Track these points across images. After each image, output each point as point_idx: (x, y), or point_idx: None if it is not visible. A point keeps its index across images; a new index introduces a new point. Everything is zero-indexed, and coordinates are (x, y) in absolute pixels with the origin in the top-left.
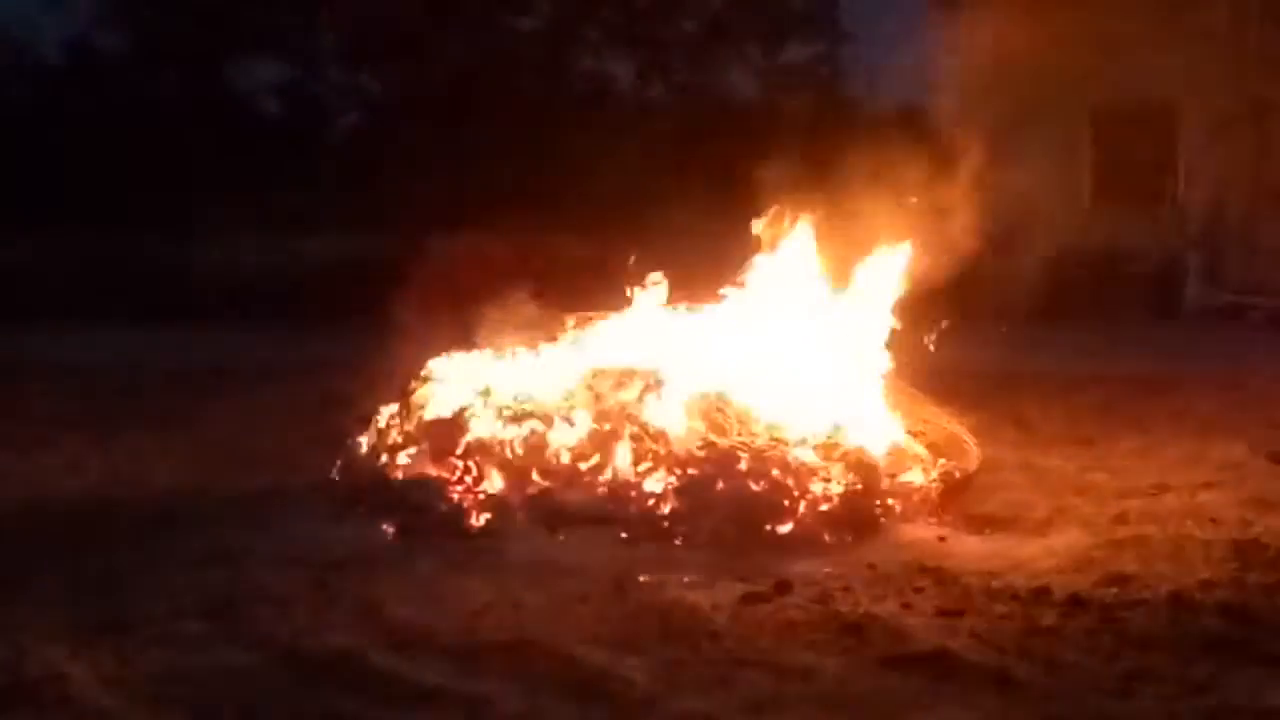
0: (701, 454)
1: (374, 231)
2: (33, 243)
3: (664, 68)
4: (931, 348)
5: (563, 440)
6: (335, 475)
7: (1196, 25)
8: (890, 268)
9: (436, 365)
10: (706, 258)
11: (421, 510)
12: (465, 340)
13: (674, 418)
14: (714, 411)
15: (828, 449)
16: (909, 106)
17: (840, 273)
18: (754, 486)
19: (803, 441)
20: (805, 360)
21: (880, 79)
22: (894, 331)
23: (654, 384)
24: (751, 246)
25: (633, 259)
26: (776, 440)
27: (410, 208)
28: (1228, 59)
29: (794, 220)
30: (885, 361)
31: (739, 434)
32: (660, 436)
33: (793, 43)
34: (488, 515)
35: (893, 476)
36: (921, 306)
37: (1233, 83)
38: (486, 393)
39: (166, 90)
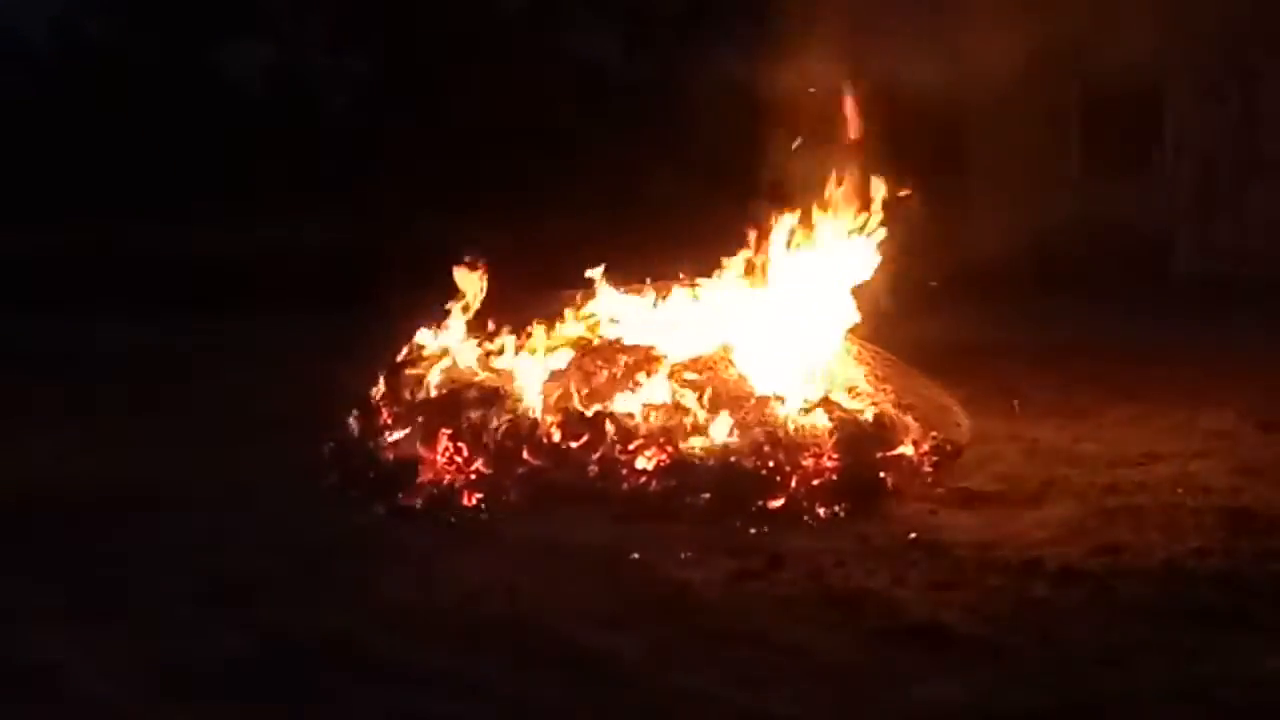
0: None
1: (364, 215)
2: (21, 232)
3: (651, 45)
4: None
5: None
6: (327, 458)
7: None
8: (876, 242)
9: (425, 345)
10: (697, 233)
11: (413, 491)
12: (453, 321)
13: (662, 394)
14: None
15: (819, 423)
16: (896, 81)
17: (828, 245)
18: (745, 463)
19: (792, 415)
20: (793, 334)
21: (867, 54)
22: (880, 305)
23: (645, 360)
24: (742, 223)
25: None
26: (767, 416)
27: (400, 191)
28: (1215, 27)
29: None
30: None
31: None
32: (650, 413)
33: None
34: (479, 495)
35: (884, 450)
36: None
37: (1221, 51)
38: (476, 372)
39: (154, 75)
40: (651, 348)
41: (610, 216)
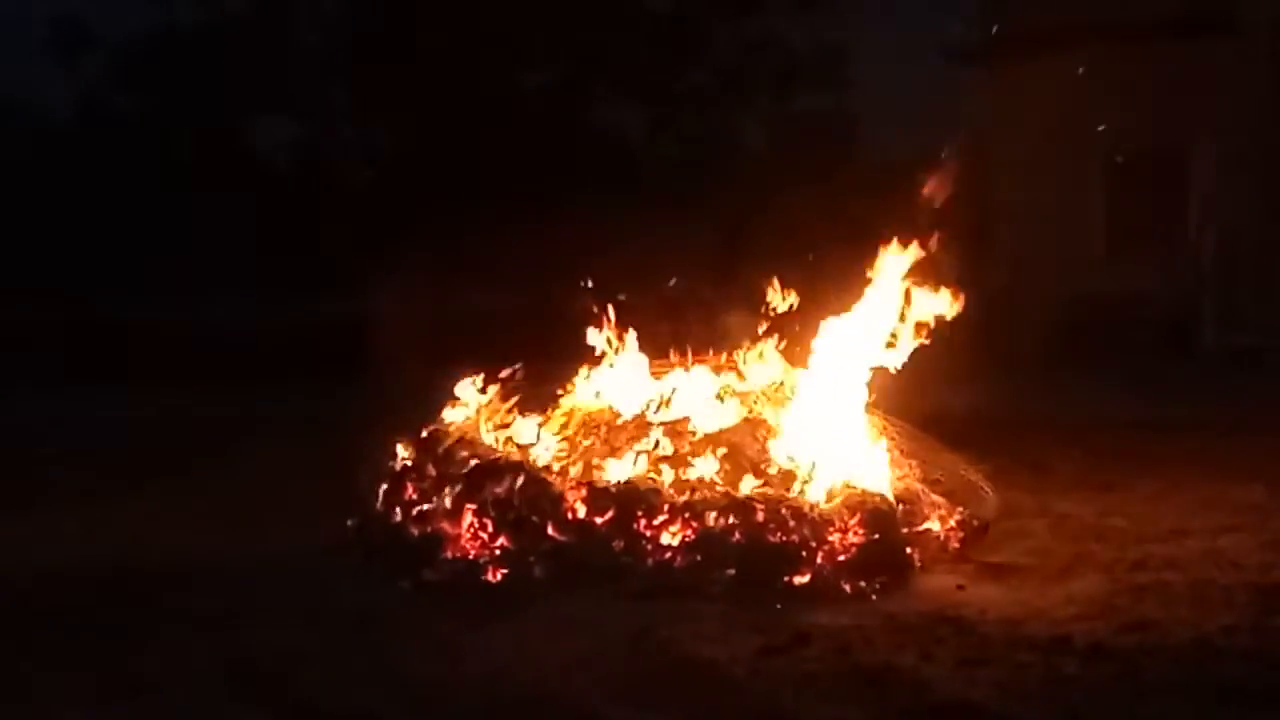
0: (717, 505)
1: (388, 286)
2: (46, 305)
3: (674, 120)
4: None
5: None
6: (351, 532)
7: (1207, 69)
8: (901, 313)
9: (450, 418)
10: (719, 307)
11: (438, 567)
12: (478, 395)
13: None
14: (728, 462)
15: (844, 498)
16: (921, 157)
17: (850, 321)
18: (771, 538)
19: (819, 491)
20: (820, 408)
21: (891, 130)
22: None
23: (678, 434)
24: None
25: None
26: (792, 493)
27: (422, 265)
28: (1238, 102)
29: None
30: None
31: (755, 484)
32: (677, 488)
33: (802, 94)
34: (504, 571)
35: (911, 525)
36: (935, 353)
37: (1244, 126)
38: (505, 445)
39: (178, 151)
40: (681, 421)
41: (635, 287)
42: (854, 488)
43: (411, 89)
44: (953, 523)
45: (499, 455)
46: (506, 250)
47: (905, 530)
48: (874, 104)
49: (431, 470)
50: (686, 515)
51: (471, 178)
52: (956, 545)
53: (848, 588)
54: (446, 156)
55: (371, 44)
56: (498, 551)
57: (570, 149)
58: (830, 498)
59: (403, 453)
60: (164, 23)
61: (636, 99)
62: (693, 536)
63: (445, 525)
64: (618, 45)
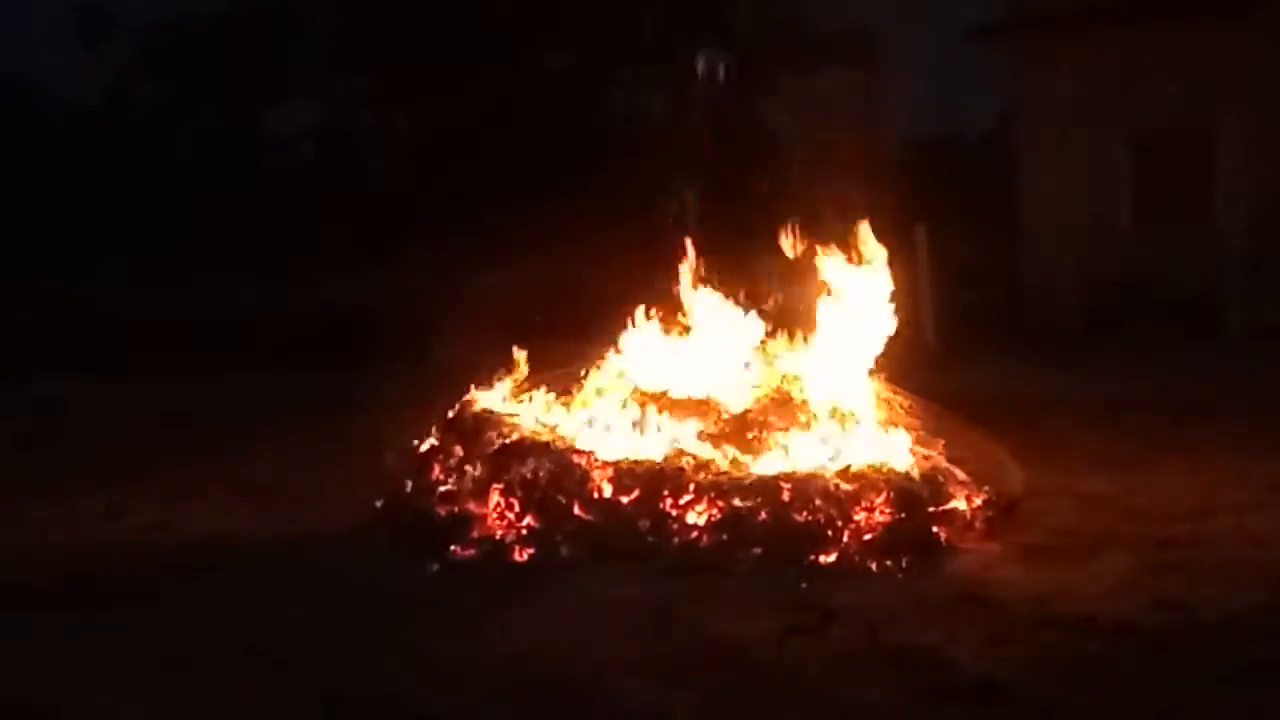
0: (743, 485)
1: (412, 271)
2: (71, 292)
3: (695, 97)
4: None
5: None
6: (378, 513)
7: (1233, 47)
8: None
9: (478, 400)
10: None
11: (464, 547)
12: (502, 376)
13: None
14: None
15: (871, 476)
16: (945, 135)
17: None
18: (797, 517)
19: (845, 470)
20: (846, 385)
21: (916, 108)
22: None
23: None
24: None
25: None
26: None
27: (446, 247)
28: (1265, 80)
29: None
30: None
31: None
32: (704, 466)
33: (826, 71)
34: (530, 550)
35: (937, 504)
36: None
37: (1271, 105)
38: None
39: (202, 137)
40: (707, 399)
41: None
42: (880, 467)
43: (431, 75)
44: (979, 502)
45: (525, 435)
46: (529, 233)
47: (931, 509)
48: (894, 82)
49: (458, 451)
50: (712, 494)
51: (492, 163)
52: (983, 524)
53: (874, 566)
54: (465, 140)
55: (392, 30)
56: (524, 531)
57: (593, 131)
58: (857, 477)
59: (430, 434)
60: (183, 12)
61: (657, 78)
62: (719, 516)
63: (472, 505)
64: (638, 25)
